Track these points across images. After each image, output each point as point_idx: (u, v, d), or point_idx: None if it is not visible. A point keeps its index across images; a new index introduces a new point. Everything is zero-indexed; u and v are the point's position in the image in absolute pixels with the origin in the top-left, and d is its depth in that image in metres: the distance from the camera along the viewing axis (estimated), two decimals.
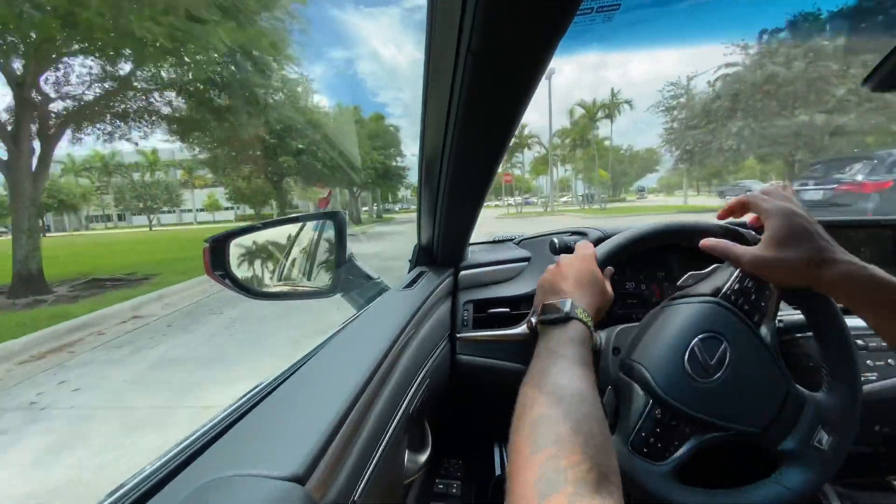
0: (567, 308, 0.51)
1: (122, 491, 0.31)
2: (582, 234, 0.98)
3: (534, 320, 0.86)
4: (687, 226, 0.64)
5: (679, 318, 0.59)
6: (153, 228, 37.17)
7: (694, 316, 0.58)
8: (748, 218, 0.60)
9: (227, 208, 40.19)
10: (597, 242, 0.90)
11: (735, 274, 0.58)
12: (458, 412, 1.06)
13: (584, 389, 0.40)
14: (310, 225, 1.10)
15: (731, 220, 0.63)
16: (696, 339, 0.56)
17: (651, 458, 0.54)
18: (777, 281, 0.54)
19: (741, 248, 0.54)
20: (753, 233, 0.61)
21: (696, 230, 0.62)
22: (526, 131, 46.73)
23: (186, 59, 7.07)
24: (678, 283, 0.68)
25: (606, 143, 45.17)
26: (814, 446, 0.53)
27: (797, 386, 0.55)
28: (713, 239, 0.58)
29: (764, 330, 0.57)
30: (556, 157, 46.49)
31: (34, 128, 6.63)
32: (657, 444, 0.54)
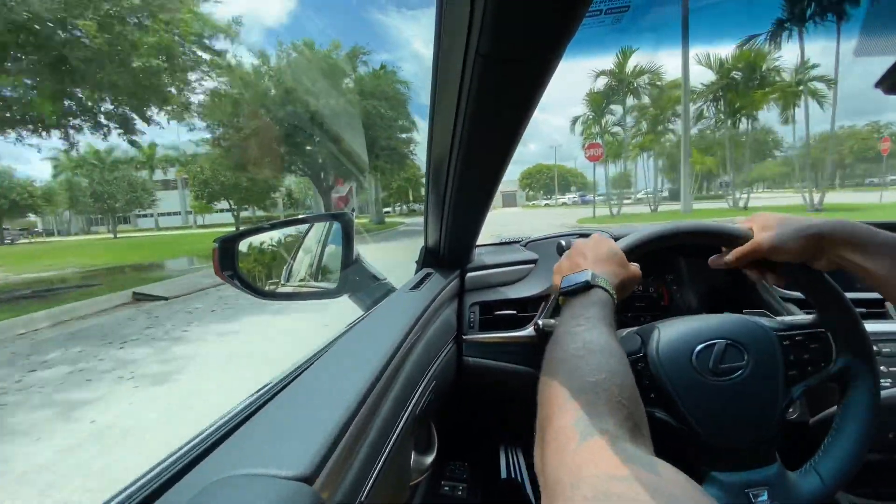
0: (588, 277, 0.50)
1: (132, 488, 0.32)
2: (588, 236, 0.98)
3: (540, 322, 0.86)
4: (720, 229, 0.62)
5: (729, 319, 0.60)
6: (118, 235, 29.85)
7: (744, 325, 0.59)
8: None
9: (223, 210, 29.28)
10: None
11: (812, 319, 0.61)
12: (464, 414, 1.06)
13: (613, 345, 0.40)
14: (317, 226, 1.11)
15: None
16: (723, 342, 0.57)
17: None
18: (786, 256, 0.56)
19: (754, 241, 0.57)
20: None
21: (728, 234, 0.61)
22: (632, 65, 23.48)
23: None
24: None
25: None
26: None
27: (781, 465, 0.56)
28: (722, 254, 0.62)
29: (795, 388, 0.58)
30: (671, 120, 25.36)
31: None
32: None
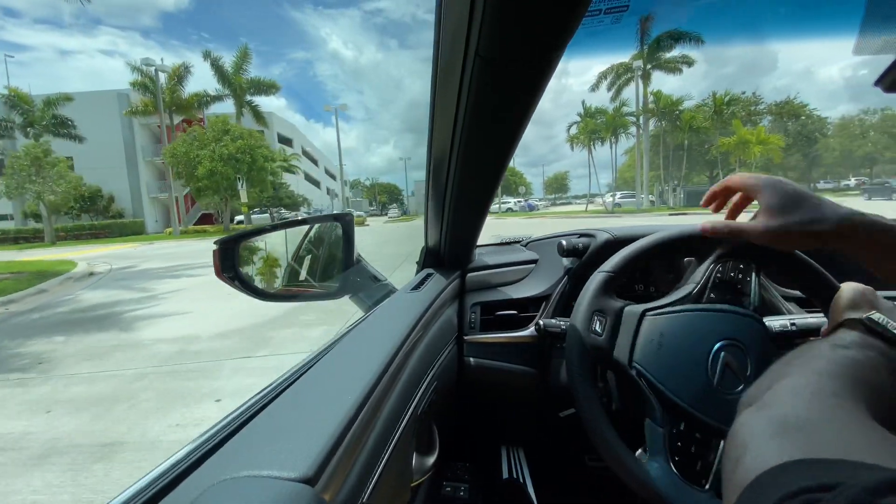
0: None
1: (133, 489, 0.32)
2: (590, 236, 0.98)
3: (542, 322, 0.86)
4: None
5: (684, 329, 0.61)
6: None
7: (706, 326, 0.60)
8: (736, 198, 0.58)
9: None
10: (606, 245, 0.89)
11: (711, 267, 0.64)
12: (465, 414, 1.06)
13: None
14: (317, 227, 1.11)
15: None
16: (715, 348, 0.58)
17: (695, 480, 0.56)
18: (789, 248, 0.52)
19: (749, 224, 0.52)
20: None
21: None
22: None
23: None
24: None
25: None
26: None
27: None
28: (715, 221, 0.57)
29: (771, 322, 0.61)
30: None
31: None
32: (696, 462, 0.57)
